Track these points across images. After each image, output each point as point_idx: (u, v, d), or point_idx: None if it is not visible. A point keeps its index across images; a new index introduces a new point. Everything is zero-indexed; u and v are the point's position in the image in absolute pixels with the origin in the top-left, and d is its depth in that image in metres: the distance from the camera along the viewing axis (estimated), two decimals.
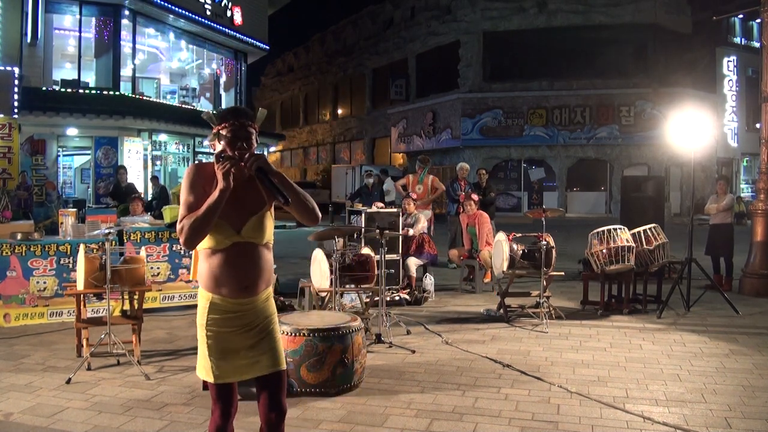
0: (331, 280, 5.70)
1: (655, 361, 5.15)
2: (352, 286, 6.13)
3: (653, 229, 7.17)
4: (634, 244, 6.90)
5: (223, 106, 23.20)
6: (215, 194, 2.28)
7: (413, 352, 5.37)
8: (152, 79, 21.76)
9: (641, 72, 24.52)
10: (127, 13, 18.59)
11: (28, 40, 15.86)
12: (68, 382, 4.50)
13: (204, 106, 22.74)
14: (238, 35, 23.11)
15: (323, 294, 6.24)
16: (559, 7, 24.77)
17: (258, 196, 2.42)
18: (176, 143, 20.87)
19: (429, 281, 7.91)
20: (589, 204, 24.67)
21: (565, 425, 3.79)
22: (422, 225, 8.15)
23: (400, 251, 7.79)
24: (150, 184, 16.62)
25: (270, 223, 2.46)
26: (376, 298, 6.25)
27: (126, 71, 19.04)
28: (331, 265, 5.73)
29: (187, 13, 20.01)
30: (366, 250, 6.30)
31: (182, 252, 7.15)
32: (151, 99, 19.78)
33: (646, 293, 7.26)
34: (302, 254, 10.34)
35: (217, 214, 2.28)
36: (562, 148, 24.19)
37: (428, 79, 28.68)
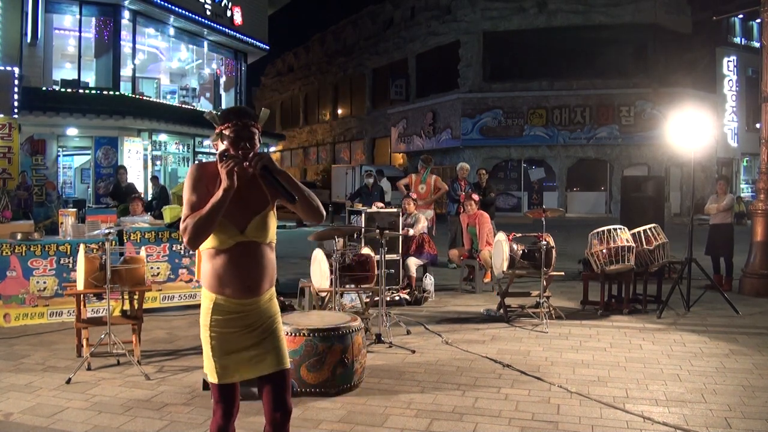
0: (331, 280, 5.70)
1: (655, 361, 5.15)
2: (352, 286, 6.13)
3: (653, 229, 7.17)
4: (634, 244, 6.90)
5: (223, 106, 23.19)
6: (219, 193, 2.27)
7: (413, 352, 5.37)
8: (152, 79, 21.75)
9: (641, 72, 24.52)
10: (127, 13, 18.59)
11: (28, 40, 15.86)
12: (68, 382, 4.50)
13: (204, 106, 22.73)
14: (238, 35, 23.10)
15: (323, 294, 6.24)
16: (559, 7, 24.77)
17: (261, 195, 2.41)
18: (176, 143, 20.87)
19: (429, 281, 7.91)
20: (589, 204, 24.67)
21: (565, 425, 3.79)
22: (422, 225, 8.15)
23: (400, 251, 7.79)
24: (150, 184, 16.61)
25: (273, 223, 2.46)
26: (376, 298, 6.25)
27: (126, 71, 19.03)
28: (331, 265, 5.73)
29: (187, 13, 20.00)
30: (366, 250, 6.30)
31: (182, 252, 7.15)
32: (151, 99, 19.78)
33: (646, 293, 7.26)
34: (302, 254, 10.34)
35: (221, 212, 2.27)
36: (562, 148, 24.19)
37: (428, 79, 28.68)
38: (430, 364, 5.05)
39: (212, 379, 2.40)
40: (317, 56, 38.53)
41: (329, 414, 3.97)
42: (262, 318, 2.43)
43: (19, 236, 6.41)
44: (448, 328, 6.34)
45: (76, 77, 17.89)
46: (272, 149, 32.35)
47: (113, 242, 5.45)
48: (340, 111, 36.93)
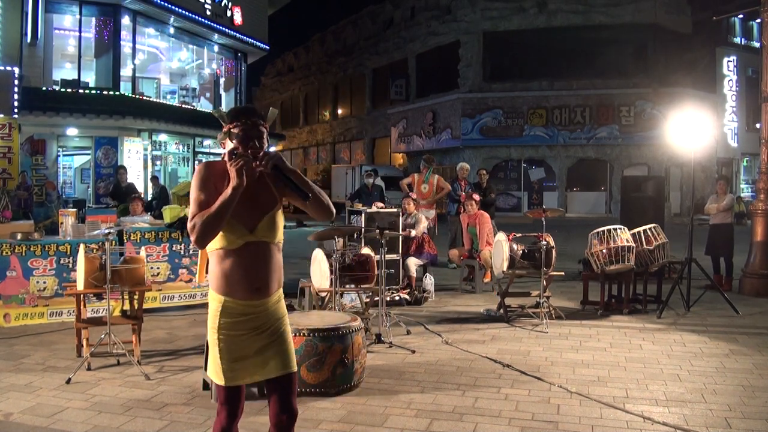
0: (331, 280, 5.70)
1: (655, 361, 5.15)
2: (352, 286, 6.13)
3: (653, 229, 7.17)
4: (634, 244, 6.90)
5: (224, 106, 23.18)
6: (228, 191, 2.25)
7: (413, 352, 5.37)
8: (152, 79, 21.74)
9: (641, 72, 24.52)
10: (127, 13, 18.59)
11: (28, 40, 15.85)
12: (68, 382, 4.50)
13: (204, 106, 22.73)
14: (238, 35, 23.10)
15: (323, 294, 6.24)
16: (559, 7, 24.76)
17: (270, 194, 2.40)
18: (176, 143, 20.86)
19: (429, 281, 7.90)
20: (589, 204, 24.67)
21: (565, 425, 3.79)
22: (423, 225, 8.14)
23: (400, 251, 7.79)
24: (150, 184, 16.61)
25: (281, 222, 2.44)
26: (376, 298, 6.25)
27: (126, 71, 19.03)
28: (331, 265, 5.73)
29: (187, 13, 19.99)
30: (366, 250, 6.30)
31: (182, 252, 7.15)
32: (151, 99, 19.77)
33: (646, 293, 7.26)
34: (302, 254, 10.34)
35: (230, 210, 2.25)
36: (562, 148, 24.19)
37: (428, 79, 28.67)
38: (430, 364, 5.05)
39: (219, 381, 2.37)
40: (317, 56, 38.52)
41: (329, 414, 3.97)
42: (270, 320, 2.41)
43: (19, 236, 6.41)
44: (448, 328, 6.34)
45: (76, 77, 17.88)
46: (272, 149, 32.28)
47: (113, 242, 5.45)
48: (340, 111, 36.92)
